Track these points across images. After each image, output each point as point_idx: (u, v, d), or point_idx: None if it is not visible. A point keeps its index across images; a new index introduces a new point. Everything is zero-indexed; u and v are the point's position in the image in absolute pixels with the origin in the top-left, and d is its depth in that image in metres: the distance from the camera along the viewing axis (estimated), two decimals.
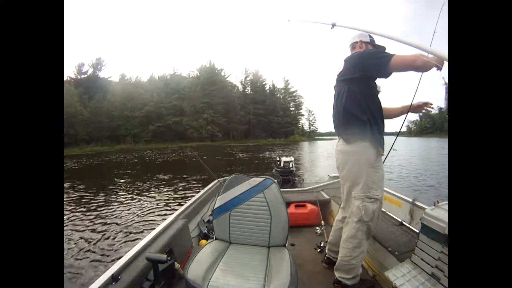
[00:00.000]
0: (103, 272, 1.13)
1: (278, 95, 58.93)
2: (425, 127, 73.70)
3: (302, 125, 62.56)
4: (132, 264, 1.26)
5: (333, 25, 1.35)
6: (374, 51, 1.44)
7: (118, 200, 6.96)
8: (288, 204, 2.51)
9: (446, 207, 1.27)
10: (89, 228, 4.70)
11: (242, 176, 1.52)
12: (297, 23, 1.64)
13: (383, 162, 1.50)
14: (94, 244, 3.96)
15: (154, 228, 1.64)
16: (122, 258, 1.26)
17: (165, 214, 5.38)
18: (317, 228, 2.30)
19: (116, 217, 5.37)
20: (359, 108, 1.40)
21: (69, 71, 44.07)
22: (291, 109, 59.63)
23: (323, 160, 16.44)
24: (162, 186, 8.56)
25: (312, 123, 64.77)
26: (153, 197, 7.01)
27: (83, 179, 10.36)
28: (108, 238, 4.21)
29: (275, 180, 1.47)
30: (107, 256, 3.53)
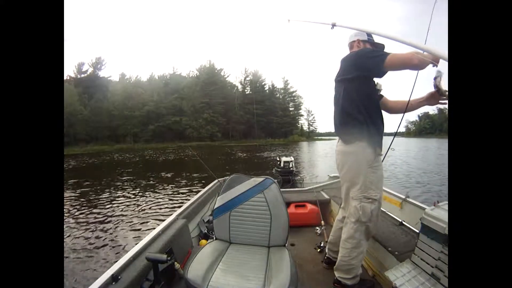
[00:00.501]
0: (103, 272, 1.13)
1: (278, 95, 58.97)
2: (424, 127, 73.78)
3: (302, 125, 62.77)
4: (132, 264, 1.26)
5: (333, 25, 1.35)
6: (369, 50, 1.43)
7: (124, 195, 7.18)
8: (288, 204, 2.51)
9: (446, 207, 1.27)
10: (91, 227, 4.72)
11: (242, 176, 1.52)
12: (297, 23, 1.64)
13: (382, 161, 1.50)
14: (98, 240, 4.00)
15: (154, 228, 1.64)
16: (122, 258, 1.26)
17: (173, 208, 5.50)
18: (317, 228, 2.30)
19: (121, 214, 5.46)
20: (356, 108, 1.39)
21: (69, 70, 44.23)
22: (291, 109, 59.66)
23: (322, 160, 16.51)
24: (166, 183, 8.75)
25: (311, 123, 64.99)
26: (159, 193, 7.24)
27: (90, 177, 10.59)
28: (112, 236, 4.26)
29: (275, 180, 1.47)
30: (108, 255, 3.55)
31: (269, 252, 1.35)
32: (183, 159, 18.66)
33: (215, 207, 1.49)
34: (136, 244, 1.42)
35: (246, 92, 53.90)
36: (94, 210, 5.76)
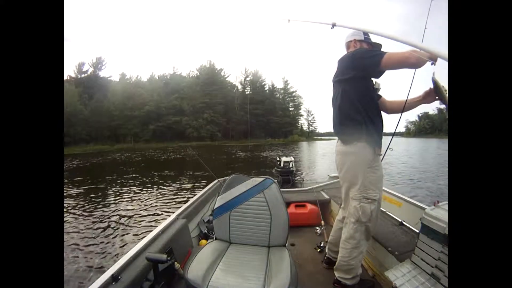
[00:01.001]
0: (103, 272, 1.13)
1: (278, 95, 58.99)
2: (424, 127, 73.74)
3: (301, 125, 62.82)
4: (132, 264, 1.26)
5: (333, 25, 1.35)
6: (366, 50, 1.42)
7: (131, 191, 7.42)
8: (288, 204, 2.51)
9: (446, 207, 1.27)
10: (94, 224, 4.78)
11: (242, 176, 1.52)
12: (297, 23, 1.63)
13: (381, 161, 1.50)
14: (100, 238, 4.05)
15: (156, 227, 1.64)
16: (122, 258, 1.26)
17: (180, 202, 5.66)
18: (317, 228, 2.30)
19: (127, 211, 5.56)
20: (353, 108, 1.39)
21: (69, 70, 44.20)
22: (290, 109, 59.70)
23: (321, 159, 16.60)
24: (169, 181, 8.96)
25: (311, 123, 65.05)
26: (162, 190, 7.42)
27: (93, 176, 10.82)
28: (116, 233, 4.32)
29: (275, 180, 1.47)
30: (109, 253, 3.57)
31: (269, 252, 1.35)
32: (184, 159, 18.78)
33: (215, 207, 1.49)
34: (136, 244, 1.42)
35: (246, 92, 53.93)
36: (99, 207, 5.91)
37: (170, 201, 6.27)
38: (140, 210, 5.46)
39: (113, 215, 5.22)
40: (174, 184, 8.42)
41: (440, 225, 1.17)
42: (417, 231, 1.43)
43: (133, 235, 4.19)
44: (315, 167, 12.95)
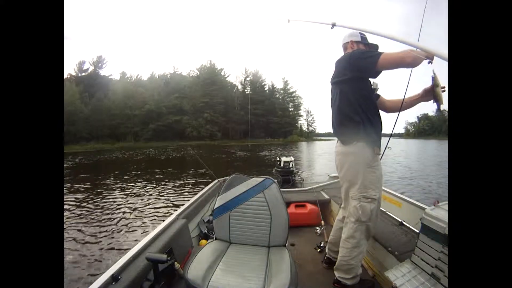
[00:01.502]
0: (103, 272, 1.13)
1: (277, 95, 59.02)
2: (423, 129, 73.66)
3: (301, 126, 62.75)
4: (132, 264, 1.26)
5: (333, 25, 1.35)
6: (362, 52, 1.42)
7: (135, 187, 7.60)
8: (288, 204, 2.51)
9: (446, 207, 1.27)
10: (96, 223, 4.80)
11: (242, 176, 1.52)
12: (297, 23, 1.63)
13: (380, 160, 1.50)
14: (100, 238, 4.06)
15: (156, 227, 1.64)
16: (122, 258, 1.26)
17: (184, 200, 5.73)
18: (317, 228, 2.30)
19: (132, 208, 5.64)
20: (352, 109, 1.40)
21: (70, 69, 44.28)
22: (290, 109, 59.69)
23: (321, 159, 16.66)
24: (172, 179, 9.13)
25: (310, 123, 64.96)
26: (165, 188, 7.56)
27: (97, 173, 11.04)
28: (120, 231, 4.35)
29: (275, 180, 1.47)
30: (109, 253, 3.57)
31: (269, 252, 1.35)
32: (185, 158, 18.86)
33: (215, 207, 1.49)
34: (136, 244, 1.42)
35: (246, 92, 53.93)
36: (102, 203, 6.04)
37: (170, 201, 6.29)
38: (143, 209, 5.51)
39: (115, 213, 5.26)
40: (176, 182, 8.54)
41: (440, 225, 1.18)
42: (417, 231, 1.43)
43: (134, 231, 4.23)
44: (315, 167, 13.01)
